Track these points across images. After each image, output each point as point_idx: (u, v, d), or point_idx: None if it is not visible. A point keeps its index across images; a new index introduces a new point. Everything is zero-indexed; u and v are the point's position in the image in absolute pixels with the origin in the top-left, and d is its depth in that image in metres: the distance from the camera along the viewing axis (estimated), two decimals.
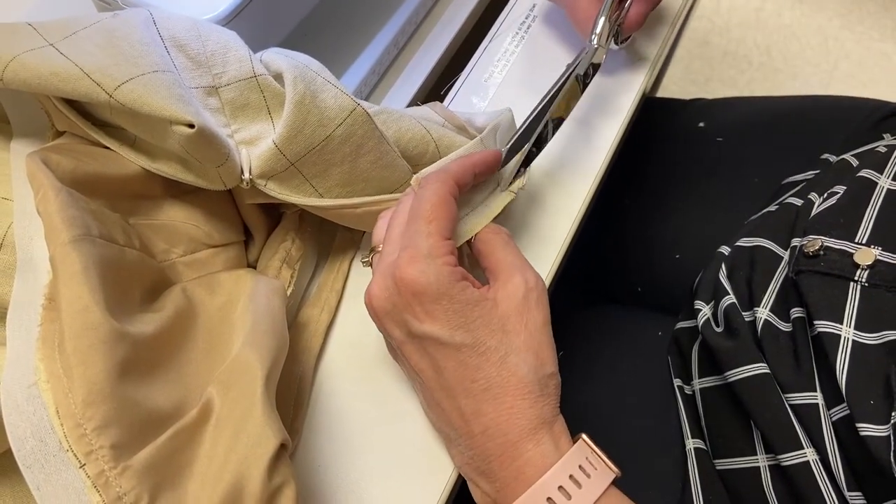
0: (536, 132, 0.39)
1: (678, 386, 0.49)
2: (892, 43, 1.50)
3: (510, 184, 0.39)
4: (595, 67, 0.43)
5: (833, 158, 0.54)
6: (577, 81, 0.41)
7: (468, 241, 0.37)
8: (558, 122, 0.41)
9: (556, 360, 0.34)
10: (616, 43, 0.46)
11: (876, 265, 0.38)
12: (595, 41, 0.43)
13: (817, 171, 0.53)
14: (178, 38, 0.35)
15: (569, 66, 0.41)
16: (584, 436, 0.33)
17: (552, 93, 0.40)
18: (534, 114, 0.40)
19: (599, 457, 0.33)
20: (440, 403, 0.34)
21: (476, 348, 0.32)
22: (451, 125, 0.40)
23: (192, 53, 0.35)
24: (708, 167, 0.62)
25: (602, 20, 0.43)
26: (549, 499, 0.31)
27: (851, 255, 0.39)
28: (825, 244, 0.40)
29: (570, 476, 0.31)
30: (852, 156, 0.50)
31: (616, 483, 0.33)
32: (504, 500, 0.32)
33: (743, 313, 0.44)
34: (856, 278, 0.39)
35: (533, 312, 0.34)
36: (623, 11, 0.44)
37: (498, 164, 0.38)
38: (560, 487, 0.31)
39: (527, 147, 0.39)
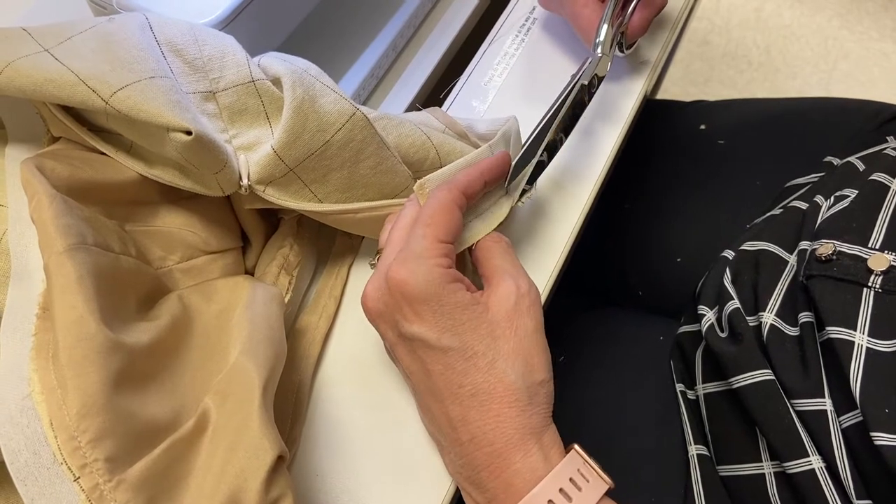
0: (543, 144, 0.38)
1: (681, 391, 0.48)
2: (892, 42, 1.50)
3: (519, 197, 0.38)
4: (600, 78, 0.42)
5: (836, 161, 0.53)
6: (583, 91, 0.40)
7: (469, 249, 0.37)
8: (567, 131, 0.40)
9: (550, 367, 0.34)
10: (621, 50, 0.45)
11: (890, 271, 0.38)
12: (599, 50, 0.42)
13: (821, 174, 0.53)
14: (174, 43, 0.35)
15: (573, 76, 0.41)
16: (576, 446, 0.33)
17: (557, 104, 0.39)
18: (539, 127, 0.39)
19: (592, 468, 0.32)
20: (430, 408, 0.34)
21: (463, 353, 0.32)
22: (451, 132, 0.40)
23: (189, 58, 0.35)
24: (709, 170, 0.61)
25: (605, 27, 0.42)
26: None
27: (865, 260, 0.39)
28: (838, 249, 0.40)
29: (561, 489, 0.31)
30: (857, 158, 0.50)
31: (616, 490, 0.32)
32: None
33: (747, 318, 0.44)
34: (869, 284, 0.38)
35: (524, 318, 0.33)
36: (626, 17, 0.43)
37: (508, 165, 0.37)
38: (549, 501, 0.31)
39: (534, 160, 0.38)
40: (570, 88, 0.40)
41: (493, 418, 0.32)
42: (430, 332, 0.32)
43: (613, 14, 0.42)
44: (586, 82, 0.40)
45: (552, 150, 0.39)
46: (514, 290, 0.34)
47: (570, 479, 0.31)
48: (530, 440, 0.32)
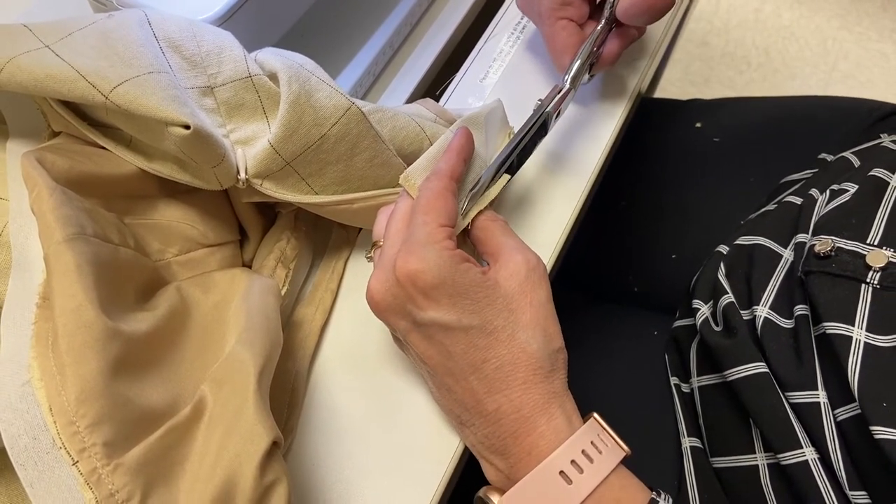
0: (504, 168, 0.38)
1: (675, 384, 0.49)
2: (891, 43, 1.50)
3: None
4: (565, 107, 0.42)
5: (830, 157, 0.54)
6: (548, 119, 0.41)
7: (466, 231, 0.37)
8: (525, 156, 0.40)
9: (562, 335, 0.35)
10: (588, 72, 0.46)
11: (888, 267, 0.38)
12: (568, 83, 0.42)
13: (816, 170, 0.53)
14: (173, 39, 0.35)
15: (542, 102, 0.41)
16: (595, 414, 0.34)
17: (523, 133, 0.39)
18: (502, 156, 0.39)
19: (610, 435, 0.34)
20: (451, 388, 0.34)
21: (484, 328, 0.33)
22: (442, 121, 0.41)
23: (188, 54, 0.35)
24: (705, 167, 0.62)
25: (578, 63, 0.42)
26: (561, 472, 0.32)
27: (863, 256, 0.39)
28: (837, 245, 0.40)
29: (582, 451, 0.32)
30: (852, 154, 0.50)
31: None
32: (517, 475, 0.33)
33: (741, 312, 0.44)
34: (867, 280, 0.38)
35: (537, 290, 0.34)
36: (599, 48, 0.44)
37: (471, 138, 0.37)
38: (572, 462, 0.32)
39: (491, 179, 0.38)
40: (538, 117, 0.40)
41: (519, 386, 0.33)
42: (449, 315, 0.32)
43: (591, 47, 0.43)
44: (554, 112, 0.41)
45: (511, 171, 0.39)
46: (523, 263, 0.34)
47: (591, 443, 0.33)
48: (554, 403, 0.33)
